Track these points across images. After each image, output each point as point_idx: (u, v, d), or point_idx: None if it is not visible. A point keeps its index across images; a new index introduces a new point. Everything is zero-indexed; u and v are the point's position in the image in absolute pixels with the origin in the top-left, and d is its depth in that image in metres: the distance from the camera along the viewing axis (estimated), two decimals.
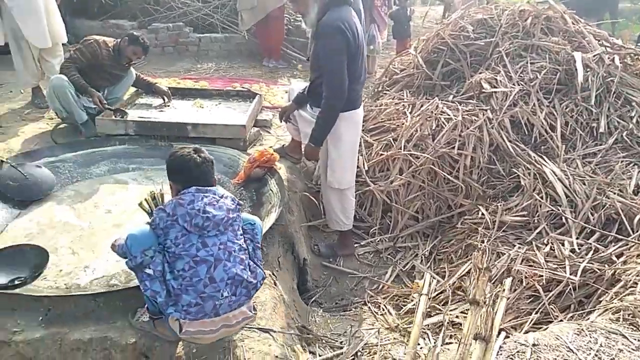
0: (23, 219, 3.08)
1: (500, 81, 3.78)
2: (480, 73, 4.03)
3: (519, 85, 3.79)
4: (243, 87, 5.34)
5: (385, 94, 4.54)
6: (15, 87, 5.39)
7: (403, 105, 4.16)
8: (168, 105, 4.58)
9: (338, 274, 3.52)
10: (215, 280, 1.92)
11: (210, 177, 2.10)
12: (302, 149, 3.73)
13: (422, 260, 3.42)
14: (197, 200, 1.98)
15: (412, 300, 3.03)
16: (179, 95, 4.92)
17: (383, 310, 2.99)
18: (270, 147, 3.84)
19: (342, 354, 2.24)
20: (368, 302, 3.13)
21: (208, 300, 1.91)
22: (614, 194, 3.05)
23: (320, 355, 2.24)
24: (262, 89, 5.68)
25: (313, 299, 3.24)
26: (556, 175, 3.24)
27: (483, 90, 3.77)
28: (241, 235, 2.10)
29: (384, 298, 3.15)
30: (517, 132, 3.75)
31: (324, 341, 2.41)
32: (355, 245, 3.65)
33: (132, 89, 4.68)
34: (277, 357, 2.07)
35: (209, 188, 2.06)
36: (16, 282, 2.24)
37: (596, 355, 2.01)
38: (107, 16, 6.92)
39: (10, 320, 2.14)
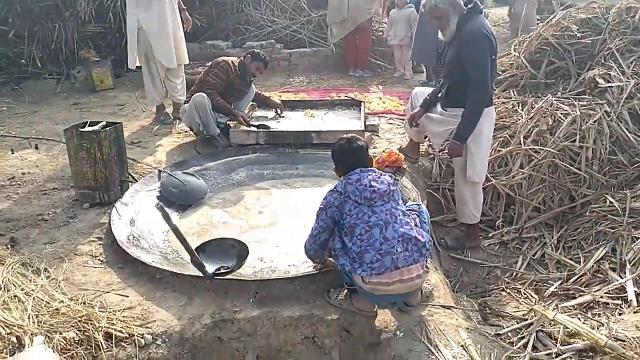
0: (184, 220, 3.49)
1: (615, 76, 3.92)
2: (590, 70, 4.17)
3: (633, 79, 3.91)
4: (347, 97, 5.67)
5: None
6: (136, 107, 5.97)
7: (513, 104, 4.35)
8: (283, 117, 4.96)
9: (467, 265, 3.73)
10: (388, 239, 2.26)
11: (367, 159, 2.51)
12: (432, 148, 3.99)
13: (552, 248, 3.59)
14: (363, 179, 2.36)
15: (552, 285, 3.20)
16: (289, 107, 5.31)
17: (525, 294, 3.19)
18: (397, 148, 4.11)
19: (531, 324, 2.47)
20: (506, 288, 3.33)
21: (386, 256, 2.23)
22: None
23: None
24: (357, 97, 6.01)
25: None
26: None
27: (599, 86, 3.91)
28: (402, 204, 2.46)
29: (521, 284, 3.34)
30: (634, 124, 3.86)
31: (501, 317, 2.64)
32: (480, 237, 3.86)
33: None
34: (467, 328, 2.33)
35: (370, 168, 2.46)
36: (227, 270, 2.60)
37: None
38: (203, 38, 7.48)
39: (227, 302, 2.50)
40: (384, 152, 3.93)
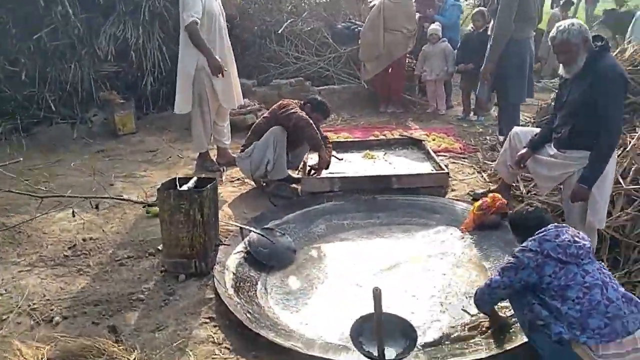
0: (277, 279, 3.10)
1: None
2: None
3: None
4: (403, 135, 5.40)
5: None
6: (169, 152, 5.50)
7: None
8: (341, 159, 4.62)
9: None
10: (612, 301, 1.98)
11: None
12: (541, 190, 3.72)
13: None
14: (561, 234, 2.13)
15: None
16: (342, 149, 4.99)
17: None
18: (492, 192, 3.81)
19: None
20: None
21: (615, 320, 1.95)
22: None
23: None
24: (405, 134, 5.75)
25: None
26: None
27: None
28: None
29: None
30: None
31: None
32: None
33: None
34: None
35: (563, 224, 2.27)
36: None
37: None
38: None
39: None
40: (485, 197, 3.63)
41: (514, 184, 4.07)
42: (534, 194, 4.08)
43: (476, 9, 6.34)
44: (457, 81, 7.13)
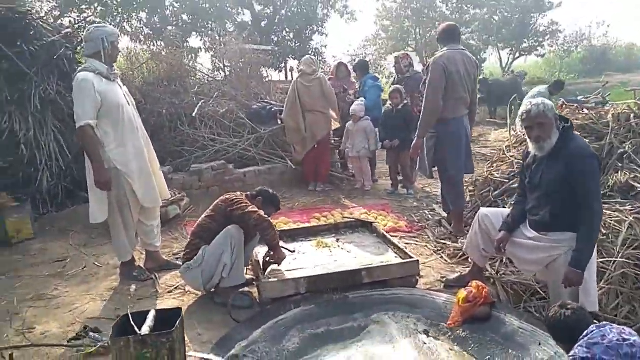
0: None
1: None
2: (607, 174, 4.28)
3: None
4: (350, 218, 5.11)
5: None
6: (82, 260, 4.59)
7: None
8: (293, 251, 4.19)
9: None
10: None
11: None
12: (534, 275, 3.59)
13: None
14: (607, 334, 2.05)
15: None
16: (288, 237, 4.58)
17: None
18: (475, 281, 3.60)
19: None
20: None
21: None
22: None
23: None
24: (342, 214, 5.51)
25: None
26: None
27: (635, 188, 4.00)
28: None
29: None
30: None
31: None
32: None
33: None
34: None
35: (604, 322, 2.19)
36: None
37: None
38: None
39: None
40: (470, 286, 3.41)
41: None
42: (503, 274, 4.00)
43: (392, 87, 6.52)
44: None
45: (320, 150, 6.68)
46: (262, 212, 3.54)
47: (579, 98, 14.45)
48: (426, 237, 4.95)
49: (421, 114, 4.70)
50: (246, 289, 3.79)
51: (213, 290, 3.65)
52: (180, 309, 2.44)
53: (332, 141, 7.06)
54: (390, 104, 6.46)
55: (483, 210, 3.68)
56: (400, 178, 6.74)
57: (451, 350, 3.06)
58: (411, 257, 3.87)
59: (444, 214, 5.34)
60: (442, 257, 4.43)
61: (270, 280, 3.59)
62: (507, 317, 3.22)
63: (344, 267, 3.87)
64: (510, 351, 2.99)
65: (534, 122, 3.05)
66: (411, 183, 6.63)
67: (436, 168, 4.95)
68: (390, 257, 4.09)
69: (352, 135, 6.74)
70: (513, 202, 3.52)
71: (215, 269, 3.45)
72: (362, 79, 7.35)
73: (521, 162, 3.57)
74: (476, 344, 3.11)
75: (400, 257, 4.02)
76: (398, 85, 6.57)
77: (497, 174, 5.10)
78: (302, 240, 4.60)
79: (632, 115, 4.56)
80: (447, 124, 4.65)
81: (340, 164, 7.61)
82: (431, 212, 5.66)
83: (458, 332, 3.23)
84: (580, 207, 2.98)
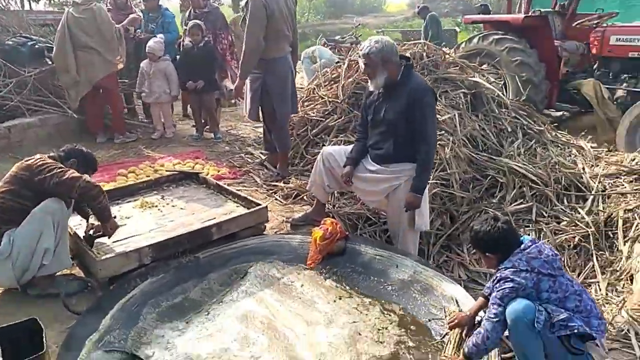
0: None
1: (441, 109, 4.65)
2: None
3: (454, 109, 4.74)
4: (174, 170, 4.53)
5: None
6: None
7: None
8: (114, 217, 3.56)
9: None
10: (593, 301, 2.22)
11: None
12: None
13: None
14: (542, 249, 2.22)
15: None
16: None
17: None
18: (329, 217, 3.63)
19: None
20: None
21: (603, 319, 2.17)
22: (564, 167, 4.40)
23: None
24: (152, 167, 4.93)
25: None
26: (522, 167, 4.36)
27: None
28: None
29: None
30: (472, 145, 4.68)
31: None
32: None
33: None
34: None
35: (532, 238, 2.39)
36: None
37: None
38: None
39: None
40: (323, 224, 3.43)
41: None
42: (339, 207, 4.17)
43: (191, 23, 5.87)
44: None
45: (107, 96, 5.72)
46: (87, 177, 2.86)
47: (336, 38, 15.77)
48: (253, 181, 4.80)
49: (242, 53, 4.39)
50: (65, 270, 3.09)
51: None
52: (36, 319, 1.79)
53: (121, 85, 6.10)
54: (190, 41, 5.85)
55: (326, 148, 3.71)
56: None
57: (321, 287, 3.08)
58: (258, 204, 3.70)
59: (263, 157, 5.27)
60: (277, 200, 4.38)
61: (107, 256, 2.98)
62: (362, 247, 3.38)
63: (185, 227, 3.49)
64: (372, 277, 3.17)
65: (362, 60, 3.25)
66: (218, 126, 6.29)
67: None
68: (232, 207, 3.85)
69: (148, 77, 5.93)
70: (355, 139, 3.63)
71: (32, 256, 2.68)
72: (158, 12, 6.45)
73: (362, 100, 3.68)
74: (339, 277, 3.20)
75: (244, 206, 3.81)
76: (197, 21, 5.97)
77: (313, 113, 5.20)
78: (119, 203, 3.94)
79: (424, 54, 5.13)
80: (271, 64, 4.46)
81: (128, 110, 6.73)
82: (248, 156, 5.50)
83: (320, 270, 3.27)
84: (418, 139, 3.24)
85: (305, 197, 4.30)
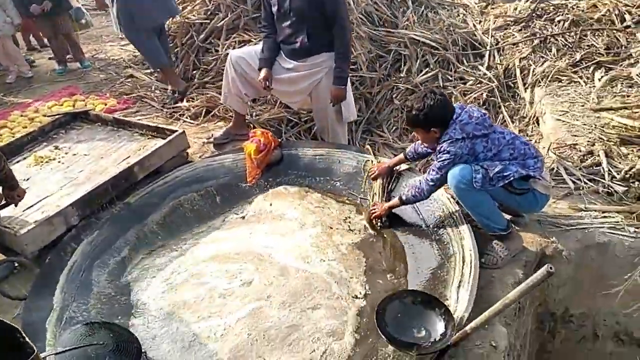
0: None
1: None
2: None
3: None
4: (61, 113, 3.85)
5: None
6: None
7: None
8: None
9: None
10: (526, 143, 2.33)
11: None
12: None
13: None
14: (471, 112, 2.28)
15: None
16: None
17: None
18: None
19: None
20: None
21: (539, 156, 2.33)
22: (458, 28, 4.52)
23: None
24: (25, 115, 4.21)
25: None
26: (421, 35, 4.41)
27: None
28: None
29: None
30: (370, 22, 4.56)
31: None
32: None
33: None
34: None
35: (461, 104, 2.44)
36: None
37: None
38: None
39: None
40: (253, 136, 3.23)
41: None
42: (257, 115, 3.95)
43: None
44: None
45: None
46: None
47: None
48: (150, 107, 4.33)
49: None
50: None
51: None
52: (15, 327, 1.48)
53: None
54: None
55: (234, 52, 3.37)
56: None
57: (270, 205, 2.99)
58: (173, 131, 3.35)
59: (149, 78, 4.73)
60: (186, 122, 4.02)
61: (28, 228, 2.56)
62: (299, 150, 3.29)
63: (100, 174, 3.10)
64: (318, 178, 3.14)
65: None
66: (82, 53, 5.45)
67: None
68: (144, 141, 3.46)
69: None
70: (263, 36, 3.31)
71: None
72: None
73: None
74: (285, 184, 3.13)
75: (157, 137, 3.44)
76: None
77: (193, 15, 4.66)
78: (10, 162, 3.34)
79: None
80: None
81: None
82: (130, 80, 4.88)
83: (264, 184, 3.16)
84: (331, 24, 3.03)
85: (217, 113, 4.00)
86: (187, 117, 4.06)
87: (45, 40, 5.82)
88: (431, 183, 2.37)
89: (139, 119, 3.90)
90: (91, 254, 2.66)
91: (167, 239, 2.84)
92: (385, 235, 2.65)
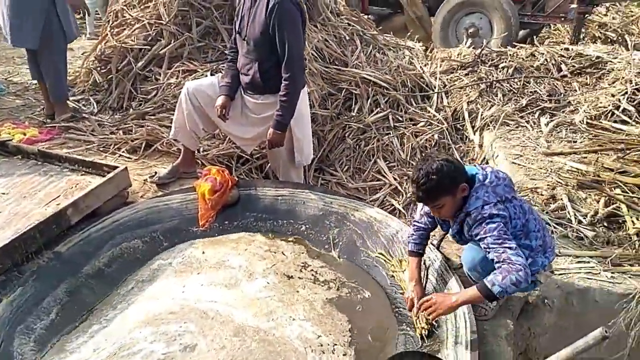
0: None
1: None
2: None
3: None
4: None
5: None
6: None
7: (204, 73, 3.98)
8: None
9: None
10: (542, 223, 2.14)
11: None
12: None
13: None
14: (497, 173, 2.02)
15: None
16: None
17: None
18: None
19: None
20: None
21: (555, 245, 2.21)
22: (406, 70, 4.54)
23: None
24: None
25: None
26: (372, 75, 4.37)
27: None
28: None
29: None
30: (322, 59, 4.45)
31: None
32: None
33: None
34: None
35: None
36: None
37: None
38: None
39: None
40: (207, 174, 2.91)
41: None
42: (204, 151, 3.63)
43: None
44: None
45: None
46: None
47: None
48: (81, 138, 3.83)
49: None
50: None
51: None
52: None
53: None
54: None
55: (190, 84, 3.04)
56: None
57: (224, 245, 2.68)
58: (113, 167, 2.94)
59: (76, 105, 4.25)
60: (123, 156, 3.59)
61: None
62: (257, 190, 3.02)
63: (24, 217, 2.63)
64: (281, 221, 2.89)
65: None
66: None
67: None
68: (76, 178, 3.01)
69: None
70: (227, 61, 3.01)
71: None
72: None
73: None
74: (246, 229, 2.84)
75: (93, 173, 3.01)
76: None
77: (132, 40, 4.28)
78: None
79: None
80: None
81: None
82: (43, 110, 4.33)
83: (219, 227, 2.85)
84: (281, 61, 2.74)
85: (159, 147, 3.62)
86: (125, 151, 3.63)
87: None
88: (520, 262, 1.81)
89: (68, 152, 3.42)
90: (12, 318, 2.17)
91: (101, 297, 2.41)
92: (366, 292, 2.42)
